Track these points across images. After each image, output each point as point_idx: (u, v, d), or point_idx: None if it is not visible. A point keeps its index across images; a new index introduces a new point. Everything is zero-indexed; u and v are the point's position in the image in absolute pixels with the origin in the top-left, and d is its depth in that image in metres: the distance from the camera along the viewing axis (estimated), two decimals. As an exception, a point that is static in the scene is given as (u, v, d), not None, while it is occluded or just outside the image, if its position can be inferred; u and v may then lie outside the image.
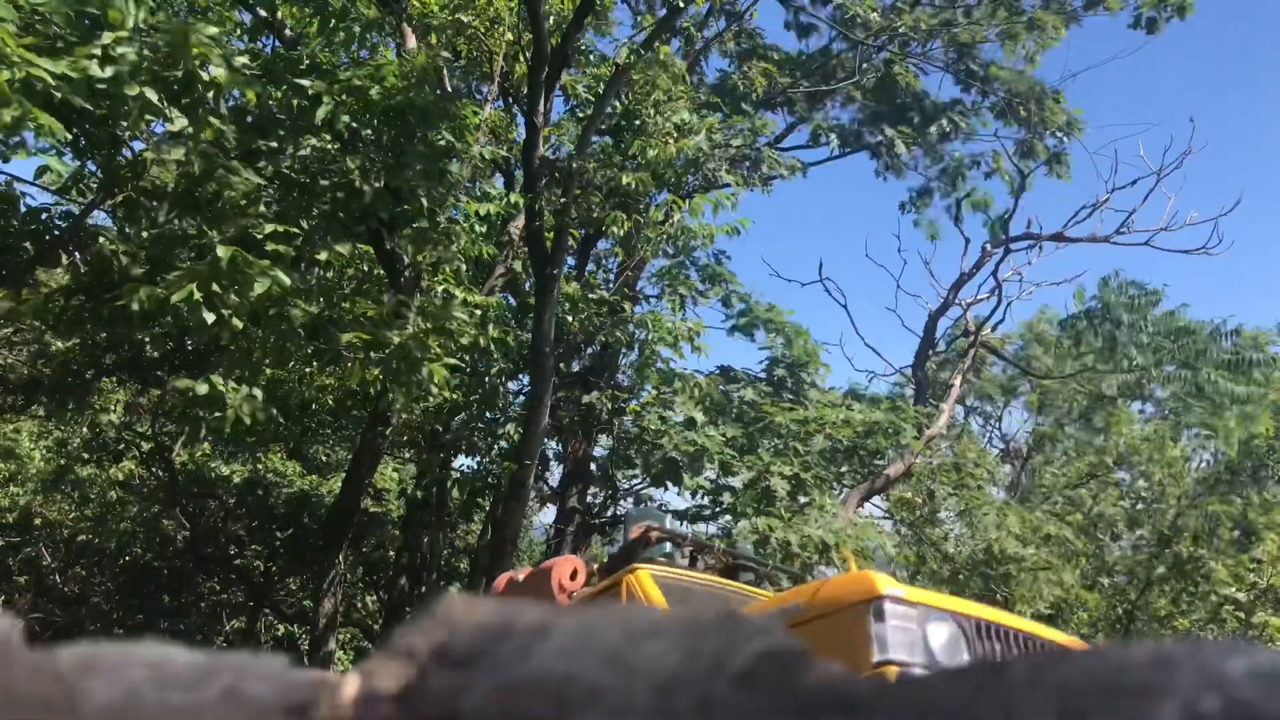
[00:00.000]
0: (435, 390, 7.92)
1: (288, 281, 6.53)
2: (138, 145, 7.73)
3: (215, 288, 6.21)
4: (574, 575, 5.95)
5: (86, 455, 14.42)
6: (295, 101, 7.73)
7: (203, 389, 6.68)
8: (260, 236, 6.97)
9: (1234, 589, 14.97)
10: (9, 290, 8.67)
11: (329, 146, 7.81)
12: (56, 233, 8.74)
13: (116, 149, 7.55)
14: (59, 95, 5.30)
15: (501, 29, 11.25)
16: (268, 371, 8.64)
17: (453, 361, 8.12)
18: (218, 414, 6.72)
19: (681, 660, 0.30)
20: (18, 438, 15.11)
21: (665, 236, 12.22)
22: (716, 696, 0.29)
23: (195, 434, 7.28)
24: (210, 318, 6.22)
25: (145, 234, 7.74)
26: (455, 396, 10.09)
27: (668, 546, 6.33)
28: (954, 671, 0.29)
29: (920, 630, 3.55)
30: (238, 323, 6.42)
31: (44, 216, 8.84)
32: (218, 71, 6.22)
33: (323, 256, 7.69)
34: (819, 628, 3.68)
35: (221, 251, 6.19)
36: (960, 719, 0.27)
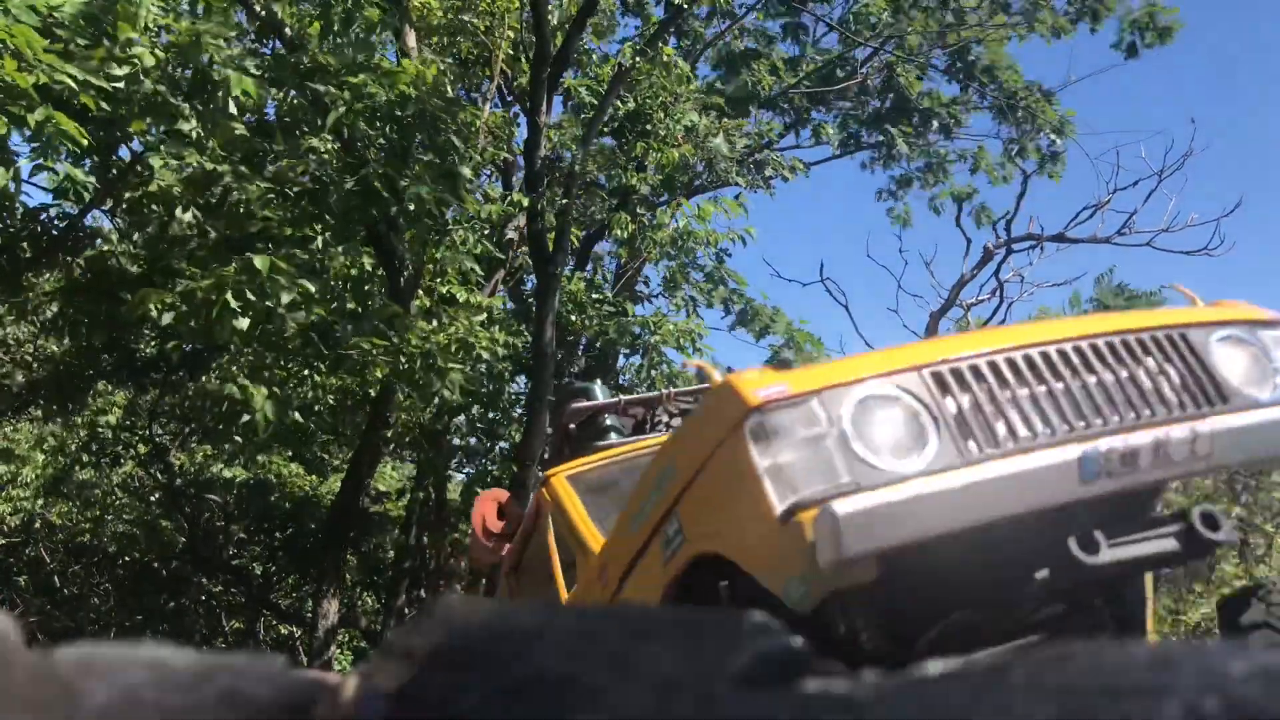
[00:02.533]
0: (448, 395, 7.98)
1: (313, 289, 6.61)
2: (136, 146, 7.75)
3: (250, 295, 6.27)
4: (501, 514, 4.41)
5: (86, 458, 14.43)
6: (297, 101, 7.74)
7: (233, 389, 6.76)
8: (272, 244, 7.04)
9: (1244, 583, 14.91)
10: (5, 292, 8.68)
11: (332, 147, 7.83)
12: (54, 233, 8.74)
13: (113, 149, 7.57)
14: (80, 100, 5.36)
15: (502, 29, 11.26)
16: (278, 371, 8.68)
17: (468, 372, 8.20)
18: (245, 418, 6.77)
19: (682, 660, 0.30)
20: (17, 439, 15.12)
21: (669, 240, 12.21)
22: (716, 698, 0.29)
23: (228, 436, 7.34)
24: (244, 324, 6.27)
25: (144, 235, 7.76)
26: (457, 398, 10.11)
27: (609, 419, 4.62)
28: (955, 674, 0.29)
29: (837, 429, 2.18)
30: (241, 324, 6.46)
31: (42, 217, 8.83)
32: (228, 72, 6.27)
33: (337, 262, 7.75)
34: (702, 495, 2.45)
35: (259, 262, 6.24)
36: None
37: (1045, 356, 2.37)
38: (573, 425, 4.48)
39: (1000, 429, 2.27)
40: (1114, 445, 2.24)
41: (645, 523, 2.76)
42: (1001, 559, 2.35)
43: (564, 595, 3.62)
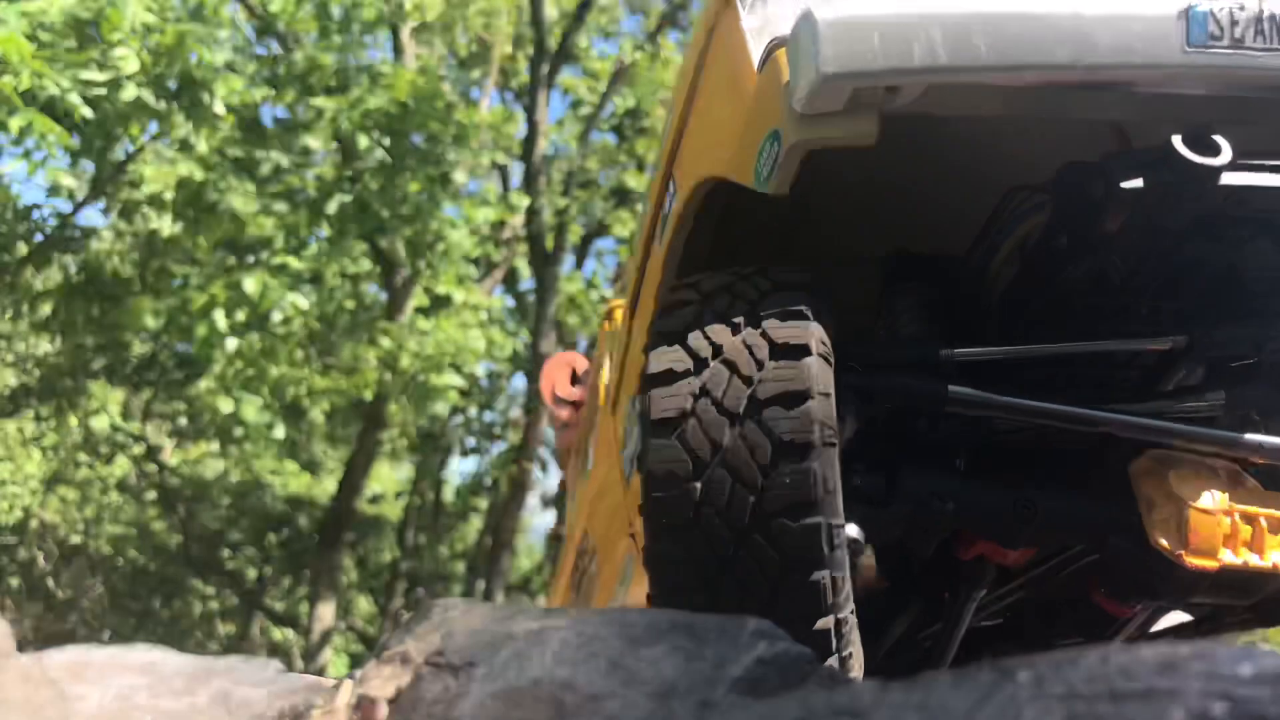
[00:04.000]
0: (441, 411, 8.05)
1: (305, 305, 6.65)
2: (130, 146, 7.72)
3: (241, 315, 6.36)
4: (575, 379, 3.81)
5: (82, 458, 14.36)
6: (292, 102, 7.72)
7: (227, 406, 6.85)
8: (266, 247, 7.08)
9: None
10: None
11: (329, 147, 7.81)
12: (48, 232, 8.68)
13: (108, 145, 7.55)
14: (65, 105, 5.36)
15: (499, 24, 11.22)
16: (274, 373, 8.69)
17: (461, 385, 8.24)
18: (239, 428, 6.86)
19: (681, 666, 0.30)
20: (18, 438, 15.04)
21: None
22: (717, 703, 0.29)
23: (225, 440, 7.43)
24: (233, 344, 6.35)
25: (137, 238, 7.76)
26: (453, 401, 10.10)
27: None
28: (959, 679, 0.29)
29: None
30: (232, 343, 6.53)
31: (35, 216, 8.76)
32: (215, 74, 6.26)
33: (332, 269, 7.77)
34: (697, 124, 1.89)
35: (250, 286, 6.29)
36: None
37: None
38: None
39: None
40: (1241, 2, 1.48)
41: (646, 221, 2.12)
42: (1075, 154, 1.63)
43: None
